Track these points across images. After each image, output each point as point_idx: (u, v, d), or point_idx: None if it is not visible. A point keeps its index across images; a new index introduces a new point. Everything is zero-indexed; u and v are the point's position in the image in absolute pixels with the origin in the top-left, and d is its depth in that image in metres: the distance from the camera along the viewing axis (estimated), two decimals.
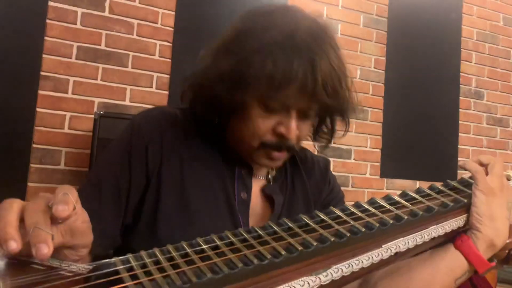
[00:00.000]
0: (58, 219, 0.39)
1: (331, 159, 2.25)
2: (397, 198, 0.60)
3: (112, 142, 0.70)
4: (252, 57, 0.60)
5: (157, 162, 0.65)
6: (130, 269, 0.39)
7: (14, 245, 0.35)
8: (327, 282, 0.46)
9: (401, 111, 2.45)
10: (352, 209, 0.56)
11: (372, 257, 0.51)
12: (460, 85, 2.61)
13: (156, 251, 0.42)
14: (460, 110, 2.60)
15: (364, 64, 2.38)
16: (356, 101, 0.71)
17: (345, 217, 0.54)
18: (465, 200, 0.59)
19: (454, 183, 0.65)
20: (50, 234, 0.37)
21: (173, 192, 0.65)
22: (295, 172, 0.79)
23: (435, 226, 0.55)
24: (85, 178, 0.69)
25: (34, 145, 1.73)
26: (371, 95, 2.40)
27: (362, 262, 0.50)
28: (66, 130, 1.77)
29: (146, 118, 0.69)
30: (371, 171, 2.35)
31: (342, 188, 2.40)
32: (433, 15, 2.57)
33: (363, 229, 0.51)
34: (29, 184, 1.71)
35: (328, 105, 0.64)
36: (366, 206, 0.57)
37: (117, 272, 0.38)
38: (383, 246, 0.52)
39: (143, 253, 0.41)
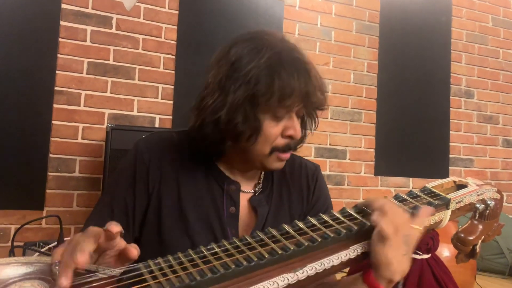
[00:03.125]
0: (113, 235, 0.53)
1: (327, 160, 2.37)
2: (365, 208, 0.70)
3: (120, 164, 0.82)
4: (258, 79, 0.69)
5: (157, 183, 0.76)
6: (151, 271, 0.52)
7: (65, 283, 0.45)
8: (303, 278, 0.58)
9: (394, 112, 2.54)
10: (325, 218, 0.67)
11: (341, 257, 0.63)
12: (451, 85, 2.69)
13: (170, 257, 0.55)
14: (451, 109, 2.68)
15: (357, 69, 2.48)
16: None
17: (319, 225, 0.65)
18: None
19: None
20: (88, 249, 0.49)
21: (172, 208, 0.76)
22: (282, 182, 0.86)
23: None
24: (100, 199, 0.82)
25: (50, 155, 1.86)
26: (365, 97, 2.50)
27: (333, 261, 0.61)
28: (79, 140, 1.91)
29: (146, 144, 0.80)
30: (366, 170, 2.46)
31: (339, 187, 2.51)
32: (423, 19, 2.65)
33: (332, 235, 0.62)
34: (47, 191, 1.85)
35: (319, 104, 0.77)
36: (337, 215, 0.68)
37: (141, 274, 0.51)
38: (350, 247, 0.64)
39: (160, 259, 0.55)
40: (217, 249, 0.58)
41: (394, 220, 0.60)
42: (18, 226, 1.54)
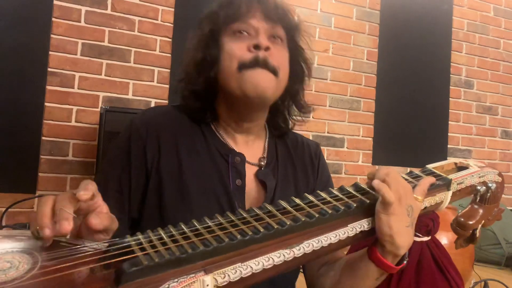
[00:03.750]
0: (82, 201, 0.49)
1: (325, 148, 2.34)
2: (364, 186, 0.68)
3: (113, 143, 0.78)
4: (209, 14, 0.77)
5: (156, 159, 0.73)
6: (140, 244, 0.49)
7: (48, 232, 0.44)
8: (300, 255, 0.56)
9: (393, 101, 2.52)
10: (323, 195, 0.65)
11: (339, 235, 0.61)
12: (451, 75, 2.68)
13: (160, 230, 0.53)
14: (450, 99, 2.67)
15: (357, 56, 2.45)
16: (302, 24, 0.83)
17: (316, 202, 0.63)
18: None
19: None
20: (71, 214, 0.46)
21: (173, 184, 0.72)
22: (286, 158, 0.84)
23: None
24: (94, 179, 0.76)
25: (43, 138, 1.83)
26: (364, 86, 2.47)
27: (330, 238, 0.60)
28: (73, 123, 1.87)
29: (142, 119, 0.76)
30: (363, 159, 2.45)
31: (336, 175, 2.49)
32: (425, 7, 2.62)
33: (330, 211, 0.60)
34: (40, 174, 1.82)
35: (288, 25, 0.78)
36: (336, 193, 0.66)
37: (129, 246, 0.48)
38: (348, 225, 0.62)
39: (149, 232, 0.52)
40: (210, 223, 0.56)
41: (398, 189, 0.59)
42: (10, 209, 1.51)
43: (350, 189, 0.68)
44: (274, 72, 0.73)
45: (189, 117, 0.79)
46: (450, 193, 0.71)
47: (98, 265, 0.45)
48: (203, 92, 0.77)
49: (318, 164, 0.88)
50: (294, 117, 0.87)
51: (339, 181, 2.36)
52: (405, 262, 0.64)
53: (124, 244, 0.49)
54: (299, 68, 0.82)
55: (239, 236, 0.52)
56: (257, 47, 0.72)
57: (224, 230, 0.54)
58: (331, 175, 2.39)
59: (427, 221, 0.85)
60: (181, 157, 0.74)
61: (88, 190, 0.50)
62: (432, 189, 0.68)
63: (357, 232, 0.62)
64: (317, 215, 0.60)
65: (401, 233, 0.59)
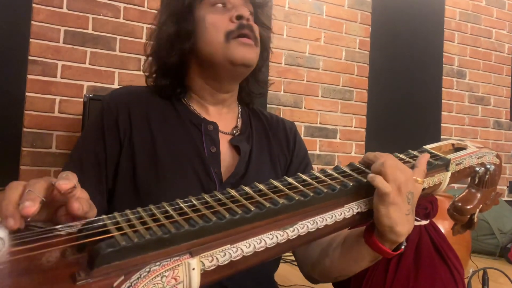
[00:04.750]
0: (61, 191, 0.44)
1: (317, 139, 2.31)
2: (360, 166, 0.65)
3: (88, 121, 0.78)
4: None
5: (127, 130, 0.74)
6: (116, 223, 0.44)
7: (12, 222, 0.40)
8: (294, 237, 0.52)
9: (386, 91, 2.50)
10: (317, 174, 0.61)
11: (335, 215, 0.57)
12: (443, 65, 2.67)
13: (139, 209, 0.48)
14: (443, 89, 2.67)
15: (349, 45, 2.42)
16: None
17: (310, 180, 0.59)
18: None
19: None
20: (39, 197, 0.42)
21: (146, 154, 0.73)
22: (260, 130, 0.86)
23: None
24: (69, 156, 0.77)
25: (25, 129, 1.76)
26: (356, 75, 2.45)
27: (326, 219, 0.55)
28: (56, 113, 1.81)
29: (113, 95, 0.78)
30: (356, 150, 2.42)
31: (328, 167, 2.48)
32: None
33: (326, 190, 0.56)
34: (22, 167, 1.75)
35: (254, 5, 0.80)
36: (330, 172, 0.62)
37: (105, 225, 0.43)
38: (345, 206, 0.58)
39: (128, 211, 0.47)
40: (195, 202, 0.51)
41: (396, 177, 0.55)
42: None
43: (346, 169, 0.64)
44: (256, 42, 0.77)
45: (159, 95, 0.80)
46: (449, 173, 0.68)
47: (68, 245, 0.40)
48: (173, 66, 0.78)
49: (294, 140, 0.88)
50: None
51: None
52: (402, 247, 0.61)
53: (99, 223, 0.44)
54: (265, 45, 0.85)
55: (228, 215, 0.48)
56: (240, 17, 0.75)
57: (212, 209, 0.49)
58: (324, 166, 2.39)
59: (425, 204, 0.82)
60: (152, 129, 0.75)
61: (69, 179, 0.45)
62: (431, 169, 0.65)
63: (354, 213, 0.59)
64: (312, 194, 0.56)
65: (401, 222, 0.56)
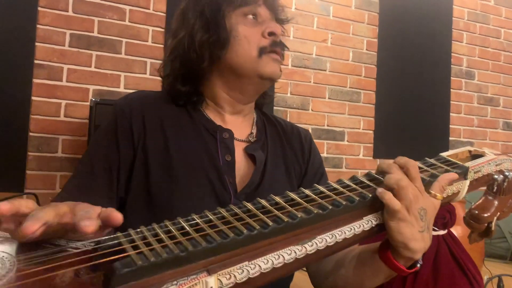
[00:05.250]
0: (84, 234, 0.41)
1: (325, 141, 2.29)
2: (377, 176, 0.63)
3: (100, 126, 0.77)
4: None
5: (141, 135, 0.73)
6: (132, 241, 0.42)
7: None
8: (313, 251, 0.50)
9: (393, 92, 2.48)
10: (335, 185, 0.59)
11: (354, 228, 0.55)
12: (452, 65, 2.64)
13: (155, 226, 0.46)
14: (451, 90, 2.63)
15: (356, 46, 2.40)
16: None
17: (328, 192, 0.57)
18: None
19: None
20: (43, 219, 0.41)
21: (159, 161, 0.72)
22: (275, 137, 0.85)
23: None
24: (79, 161, 0.75)
25: (31, 134, 1.75)
26: (364, 77, 2.42)
27: (345, 233, 0.54)
28: (62, 117, 1.80)
29: (126, 100, 0.77)
30: (364, 152, 2.40)
31: (336, 169, 2.45)
32: None
33: (344, 202, 0.55)
34: (28, 172, 1.74)
35: (280, 22, 0.81)
36: (348, 182, 0.60)
37: (120, 244, 0.42)
38: (364, 218, 0.56)
39: (142, 228, 0.45)
40: (211, 217, 0.49)
41: (405, 195, 0.53)
42: None
43: (363, 179, 0.62)
44: (282, 57, 0.78)
45: (174, 100, 0.79)
46: (467, 182, 0.66)
47: (83, 266, 0.39)
48: (197, 73, 0.77)
49: (310, 148, 0.88)
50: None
51: (340, 175, 2.28)
52: (418, 265, 0.59)
53: (114, 242, 0.43)
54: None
55: (245, 231, 0.46)
56: (272, 34, 0.75)
57: (228, 225, 0.48)
58: (332, 169, 2.34)
59: (443, 213, 0.80)
60: (167, 136, 0.74)
61: (92, 220, 0.42)
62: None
63: (373, 225, 0.57)
64: (330, 207, 0.54)
65: (414, 238, 0.55)
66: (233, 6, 0.76)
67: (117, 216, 0.44)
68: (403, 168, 0.56)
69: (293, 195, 0.56)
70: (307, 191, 0.57)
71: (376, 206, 0.58)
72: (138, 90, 0.86)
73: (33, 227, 0.39)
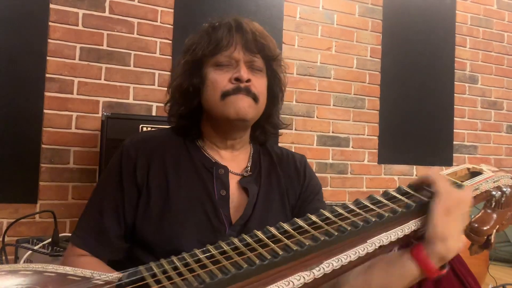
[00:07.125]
0: None
1: (330, 148, 2.32)
2: (379, 198, 0.66)
3: (108, 164, 0.84)
4: (194, 44, 0.83)
5: (145, 176, 0.79)
6: (154, 275, 0.46)
7: None
8: (320, 275, 0.53)
9: (397, 98, 2.49)
10: (340, 210, 0.62)
11: (359, 252, 0.58)
12: (455, 70, 2.65)
13: (174, 258, 0.50)
14: (455, 94, 2.64)
15: (360, 54, 2.42)
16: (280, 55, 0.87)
17: (333, 218, 0.60)
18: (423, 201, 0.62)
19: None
20: None
21: (160, 197, 0.78)
22: (271, 167, 0.90)
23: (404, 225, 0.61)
24: (89, 199, 0.82)
25: (43, 146, 1.80)
26: (368, 83, 2.44)
27: (350, 256, 0.57)
28: (73, 129, 1.84)
29: (132, 142, 0.83)
30: (369, 158, 2.42)
31: (342, 175, 2.47)
32: (427, 2, 2.58)
33: (349, 228, 0.58)
34: (41, 183, 1.79)
35: (266, 56, 0.82)
36: (352, 207, 0.64)
37: (143, 278, 0.46)
38: (368, 241, 0.60)
39: (163, 261, 0.49)
40: (225, 248, 0.53)
41: (455, 197, 0.60)
42: (11, 220, 1.49)
43: (366, 202, 0.65)
44: (255, 98, 0.80)
45: (176, 134, 0.86)
46: None
47: None
48: (189, 113, 0.84)
49: (304, 171, 0.92)
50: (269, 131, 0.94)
51: (345, 181, 2.34)
52: (445, 270, 0.62)
53: (138, 277, 0.46)
54: (275, 94, 0.89)
55: (257, 261, 0.50)
56: (238, 79, 0.79)
57: (242, 255, 0.51)
58: (337, 175, 2.36)
59: None
60: (167, 173, 0.80)
61: None
62: None
63: (376, 247, 0.60)
64: (336, 233, 0.57)
65: (455, 237, 0.59)
66: (210, 54, 0.80)
67: None
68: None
69: (300, 222, 0.59)
70: (314, 218, 0.60)
71: (379, 229, 0.61)
72: (145, 131, 0.95)
73: None
